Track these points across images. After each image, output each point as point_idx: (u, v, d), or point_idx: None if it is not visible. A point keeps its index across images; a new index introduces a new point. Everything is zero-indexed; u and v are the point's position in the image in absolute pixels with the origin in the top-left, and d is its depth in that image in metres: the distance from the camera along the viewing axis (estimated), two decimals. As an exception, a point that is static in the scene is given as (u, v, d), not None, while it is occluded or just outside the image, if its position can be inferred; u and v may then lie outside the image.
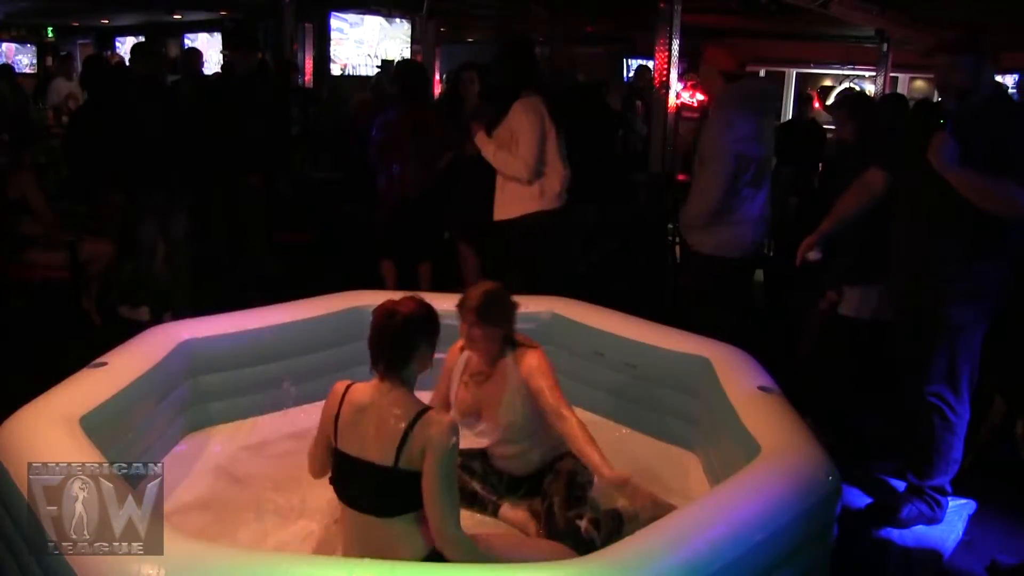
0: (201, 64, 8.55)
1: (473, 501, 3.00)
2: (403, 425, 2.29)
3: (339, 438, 2.42)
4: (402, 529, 2.33)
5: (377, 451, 2.32)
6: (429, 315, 2.45)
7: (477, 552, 2.33)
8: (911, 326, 3.42)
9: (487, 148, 4.41)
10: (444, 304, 3.86)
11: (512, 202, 4.46)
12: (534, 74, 4.48)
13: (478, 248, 5.32)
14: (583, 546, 2.56)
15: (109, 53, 14.26)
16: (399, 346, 2.38)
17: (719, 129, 4.11)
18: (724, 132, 4.08)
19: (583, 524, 2.70)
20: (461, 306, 2.86)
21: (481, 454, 3.13)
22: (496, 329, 2.88)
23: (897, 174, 3.42)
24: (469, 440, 3.12)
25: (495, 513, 2.99)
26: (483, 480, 3.06)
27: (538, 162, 4.34)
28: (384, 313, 2.40)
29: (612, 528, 2.70)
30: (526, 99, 4.34)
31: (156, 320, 5.15)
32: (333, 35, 10.61)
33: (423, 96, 5.35)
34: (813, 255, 3.55)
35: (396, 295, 3.66)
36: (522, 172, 4.34)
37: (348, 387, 2.45)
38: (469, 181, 5.03)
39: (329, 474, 2.49)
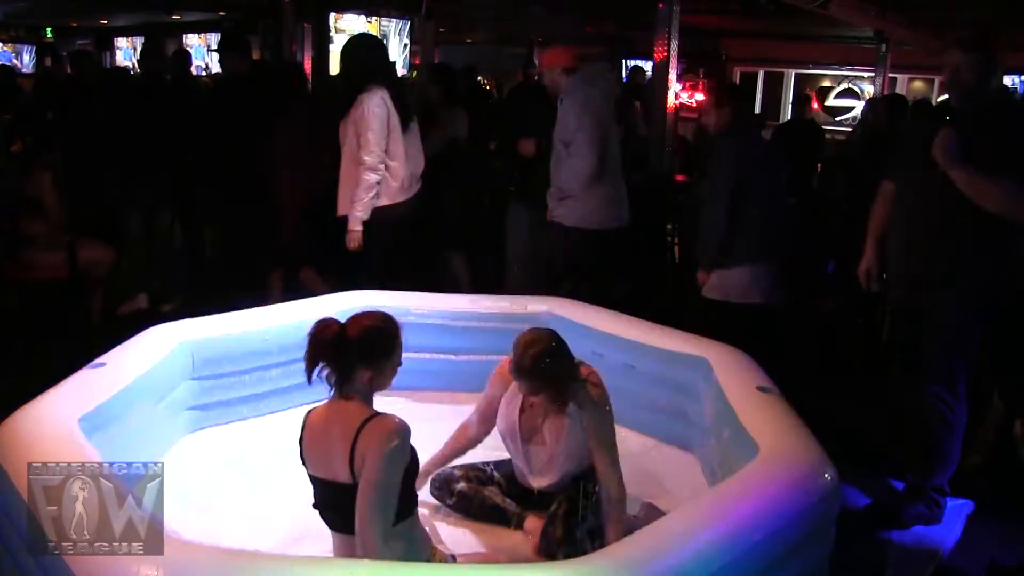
0: (189, 64, 8.56)
1: (495, 515, 2.95)
2: (350, 438, 2.23)
3: (308, 464, 2.40)
4: None
5: (338, 469, 2.28)
6: (368, 336, 2.34)
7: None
8: (909, 326, 3.42)
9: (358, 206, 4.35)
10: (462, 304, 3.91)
11: (351, 198, 4.42)
12: (380, 67, 4.48)
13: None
14: (576, 554, 2.56)
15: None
16: (336, 364, 2.32)
17: (575, 111, 4.48)
18: (581, 111, 4.46)
19: (579, 533, 2.71)
20: (515, 370, 2.76)
21: (501, 465, 3.07)
22: (554, 387, 2.77)
23: (900, 176, 3.44)
24: (487, 451, 3.12)
25: (520, 525, 2.93)
26: (506, 493, 3.00)
27: (380, 158, 4.30)
28: (317, 328, 2.32)
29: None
30: (370, 92, 4.31)
31: (155, 311, 5.27)
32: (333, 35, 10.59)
33: (308, 98, 5.28)
34: (876, 285, 3.61)
35: (398, 296, 3.66)
36: (369, 176, 4.30)
37: (308, 413, 2.41)
38: (440, 187, 5.11)
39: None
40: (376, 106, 4.28)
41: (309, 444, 2.38)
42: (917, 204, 3.31)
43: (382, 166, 4.32)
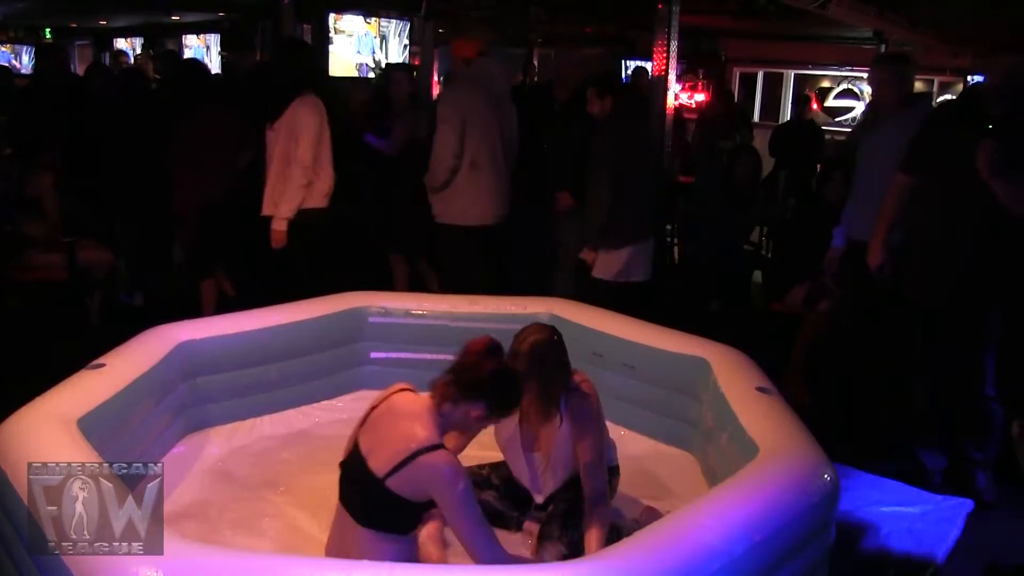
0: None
1: (494, 519, 2.90)
2: (409, 451, 2.25)
3: (363, 428, 2.42)
4: (369, 541, 2.34)
5: (377, 458, 2.31)
6: (505, 386, 2.40)
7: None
8: (938, 323, 3.44)
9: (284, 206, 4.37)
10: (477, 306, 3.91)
11: (280, 197, 4.44)
12: (312, 73, 4.56)
13: (410, 257, 5.43)
14: (573, 555, 2.56)
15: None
16: (458, 386, 2.35)
17: (445, 101, 4.74)
18: (451, 103, 4.69)
19: (575, 534, 2.70)
20: (511, 356, 2.73)
21: (498, 468, 3.07)
22: (545, 381, 2.74)
23: (925, 174, 3.44)
24: (485, 452, 3.12)
25: (519, 527, 2.94)
26: (504, 496, 2.99)
27: (314, 160, 4.36)
28: (480, 347, 2.39)
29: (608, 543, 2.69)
30: (305, 98, 4.37)
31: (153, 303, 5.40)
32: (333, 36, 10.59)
33: (214, 95, 5.26)
34: (887, 269, 3.70)
35: (398, 296, 3.65)
36: (299, 178, 4.35)
37: (400, 391, 2.44)
38: (401, 194, 5.18)
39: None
40: (312, 111, 4.35)
41: (377, 416, 2.40)
42: (963, 205, 3.30)
43: (313, 167, 4.37)
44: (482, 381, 2.36)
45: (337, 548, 2.44)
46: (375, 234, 5.71)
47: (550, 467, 2.87)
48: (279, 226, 4.38)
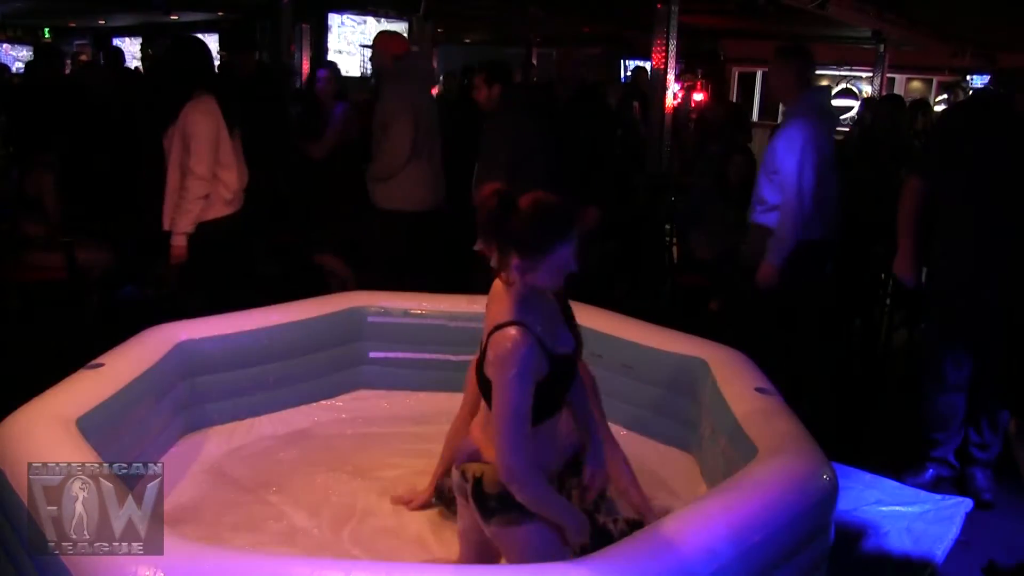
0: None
1: None
2: (488, 331, 2.15)
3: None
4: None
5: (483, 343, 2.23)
6: (526, 221, 2.09)
7: (539, 493, 2.16)
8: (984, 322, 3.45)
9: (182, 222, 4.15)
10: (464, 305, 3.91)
11: (177, 211, 4.20)
12: (206, 73, 4.34)
13: (348, 258, 5.36)
14: (606, 541, 2.53)
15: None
16: (490, 240, 2.13)
17: (395, 95, 4.79)
18: (400, 96, 4.77)
19: (600, 519, 2.67)
20: None
21: None
22: None
23: (944, 175, 3.44)
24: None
25: None
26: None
27: (210, 169, 4.12)
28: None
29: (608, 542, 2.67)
30: (198, 100, 4.14)
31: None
32: (332, 35, 10.58)
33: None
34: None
35: (396, 295, 3.62)
36: (195, 190, 4.10)
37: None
38: (331, 196, 5.21)
39: None
40: (205, 114, 4.12)
41: (488, 302, 2.28)
42: (1000, 202, 3.30)
43: (211, 177, 4.15)
44: (502, 230, 2.10)
45: (482, 431, 2.33)
46: (305, 238, 5.63)
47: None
48: (177, 241, 4.14)
